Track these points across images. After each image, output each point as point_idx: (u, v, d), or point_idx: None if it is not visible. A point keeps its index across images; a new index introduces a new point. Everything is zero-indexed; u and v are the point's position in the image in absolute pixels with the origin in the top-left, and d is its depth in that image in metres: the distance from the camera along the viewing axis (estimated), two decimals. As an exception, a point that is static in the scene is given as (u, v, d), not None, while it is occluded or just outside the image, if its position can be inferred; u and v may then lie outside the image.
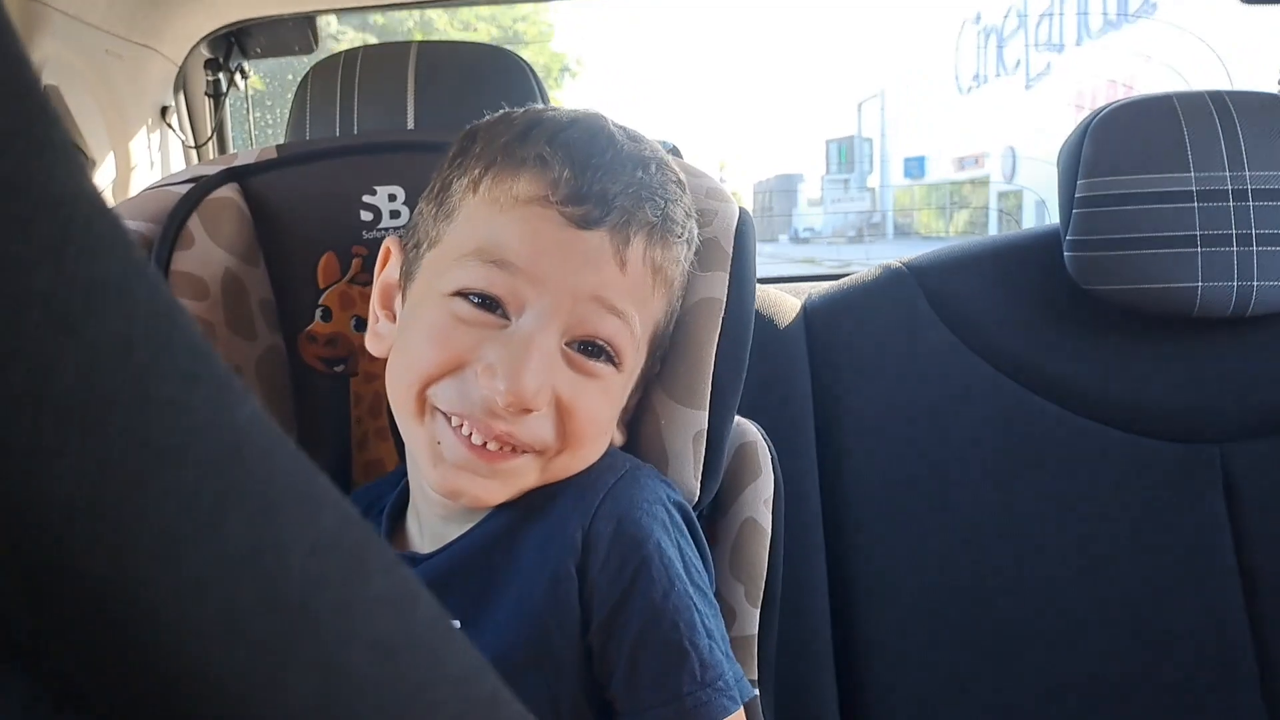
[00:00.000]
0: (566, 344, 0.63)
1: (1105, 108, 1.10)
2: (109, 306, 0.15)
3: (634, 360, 0.67)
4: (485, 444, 0.62)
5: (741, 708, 0.60)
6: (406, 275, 0.69)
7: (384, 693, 0.16)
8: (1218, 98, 1.06)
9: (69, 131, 0.17)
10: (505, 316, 0.62)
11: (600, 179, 0.62)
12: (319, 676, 0.15)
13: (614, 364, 0.65)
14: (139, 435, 0.14)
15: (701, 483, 0.73)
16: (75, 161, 0.16)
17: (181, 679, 0.13)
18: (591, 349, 0.64)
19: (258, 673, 0.14)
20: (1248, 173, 1.02)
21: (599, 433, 0.66)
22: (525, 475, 0.64)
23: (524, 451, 0.63)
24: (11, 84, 0.15)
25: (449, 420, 0.62)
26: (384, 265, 0.73)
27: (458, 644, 0.19)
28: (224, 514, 0.15)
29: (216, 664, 0.14)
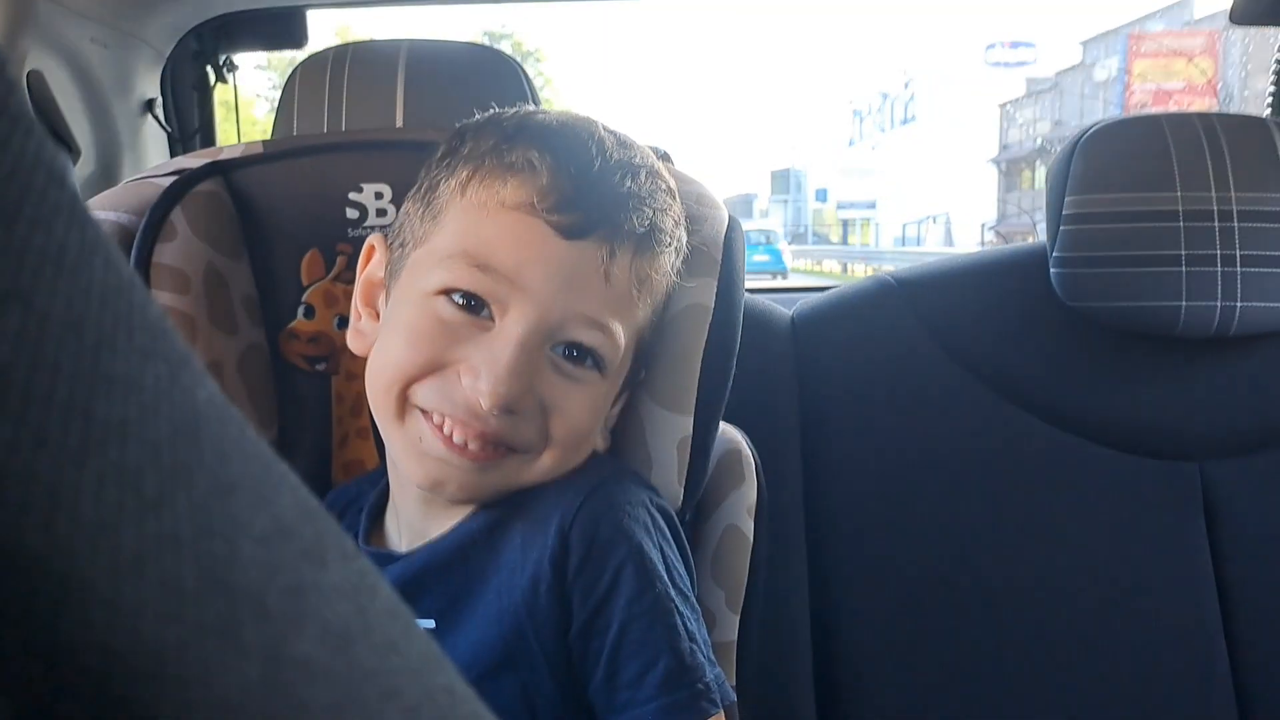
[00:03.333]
0: (551, 348, 0.63)
1: (1094, 126, 1.10)
2: (61, 278, 0.14)
3: (619, 367, 0.66)
4: (466, 444, 0.61)
5: (721, 711, 0.59)
6: (391, 274, 0.69)
7: (336, 680, 0.16)
8: (1205, 120, 1.06)
9: (54, 111, 0.16)
10: (489, 318, 0.62)
11: (588, 188, 0.62)
12: (265, 660, 0.15)
13: (599, 369, 0.64)
14: (83, 409, 0.14)
15: (685, 489, 0.72)
16: (33, 130, 0.16)
17: (115, 659, 0.13)
18: (576, 353, 0.63)
19: (198, 654, 0.14)
20: (1233, 194, 1.03)
21: (581, 437, 0.65)
22: (506, 475, 0.63)
23: (508, 450, 0.62)
24: None
25: (430, 418, 0.62)
26: (367, 262, 0.72)
27: (416, 635, 0.18)
28: (172, 493, 0.15)
29: (153, 643, 0.13)
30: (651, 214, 0.65)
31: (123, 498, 0.14)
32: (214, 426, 0.16)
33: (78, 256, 0.15)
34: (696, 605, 0.63)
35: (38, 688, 0.12)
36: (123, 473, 0.14)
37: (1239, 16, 1.26)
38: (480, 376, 0.60)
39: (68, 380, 0.14)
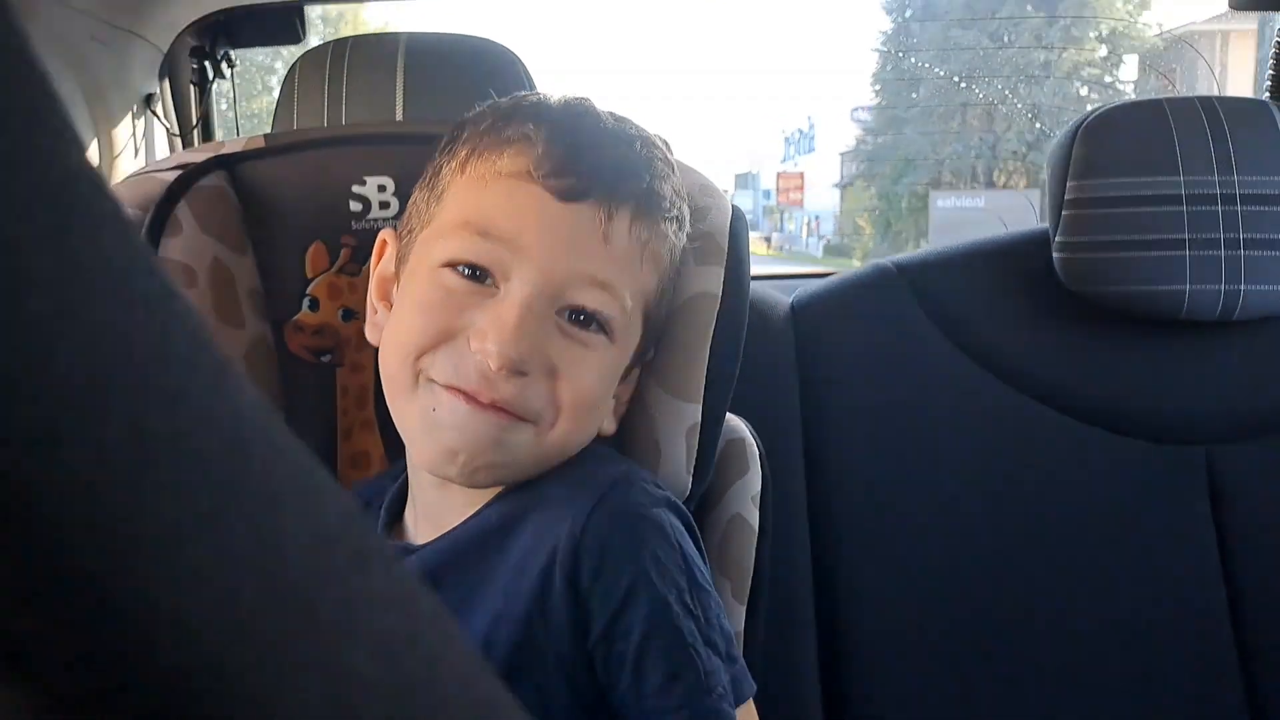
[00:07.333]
0: (557, 312, 0.63)
1: (1096, 110, 1.10)
2: (109, 291, 0.14)
3: (626, 334, 0.67)
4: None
5: (735, 711, 0.60)
6: (401, 260, 0.69)
7: (388, 693, 0.16)
8: (1207, 103, 1.06)
9: (68, 110, 0.16)
10: (494, 286, 0.63)
11: (584, 154, 0.63)
12: (325, 676, 0.15)
13: (605, 333, 0.65)
14: (138, 424, 0.14)
15: (693, 478, 0.73)
16: (75, 140, 0.16)
17: (185, 681, 0.13)
18: (582, 318, 0.64)
19: (265, 673, 0.14)
20: (1236, 177, 1.03)
21: (591, 405, 0.65)
22: (519, 449, 0.63)
23: (519, 419, 0.62)
24: (11, 60, 0.15)
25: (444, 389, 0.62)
26: (379, 258, 0.73)
27: (459, 642, 0.18)
28: (225, 506, 0.15)
29: (222, 664, 0.13)
30: (648, 179, 0.66)
31: (181, 513, 0.14)
32: (259, 435, 0.16)
33: (122, 267, 0.15)
34: (719, 597, 0.63)
35: (108, 713, 0.13)
36: (179, 487, 0.14)
37: (1240, 2, 1.26)
38: (487, 339, 0.60)
39: (120, 395, 0.14)
